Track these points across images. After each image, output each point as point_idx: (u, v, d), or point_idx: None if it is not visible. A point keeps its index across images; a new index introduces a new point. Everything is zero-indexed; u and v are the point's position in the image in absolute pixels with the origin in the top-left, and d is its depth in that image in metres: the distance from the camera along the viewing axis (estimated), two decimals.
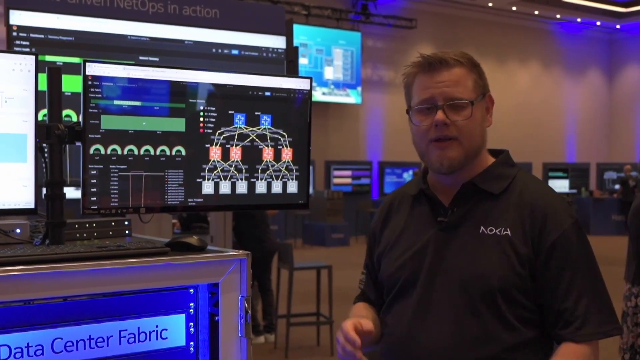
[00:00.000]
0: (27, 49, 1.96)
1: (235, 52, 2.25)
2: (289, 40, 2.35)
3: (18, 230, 1.20)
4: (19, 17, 2.01)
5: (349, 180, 11.22)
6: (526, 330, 1.01)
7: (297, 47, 2.41)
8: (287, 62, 2.31)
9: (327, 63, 12.04)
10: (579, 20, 13.88)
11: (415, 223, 1.11)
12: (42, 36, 2.03)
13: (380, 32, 12.05)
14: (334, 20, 11.36)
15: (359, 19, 11.71)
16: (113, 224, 1.32)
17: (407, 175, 11.84)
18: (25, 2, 2.03)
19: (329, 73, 11.49)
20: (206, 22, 2.25)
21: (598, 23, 14.09)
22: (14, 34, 2.00)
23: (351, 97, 11.73)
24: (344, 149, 11.39)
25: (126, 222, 1.35)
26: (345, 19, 11.51)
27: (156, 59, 2.11)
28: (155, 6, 2.23)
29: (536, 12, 13.27)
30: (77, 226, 1.28)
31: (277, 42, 2.30)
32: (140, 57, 2.09)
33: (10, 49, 1.98)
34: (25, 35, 2.01)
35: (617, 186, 12.20)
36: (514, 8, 12.86)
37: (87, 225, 1.28)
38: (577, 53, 14.43)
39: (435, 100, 1.05)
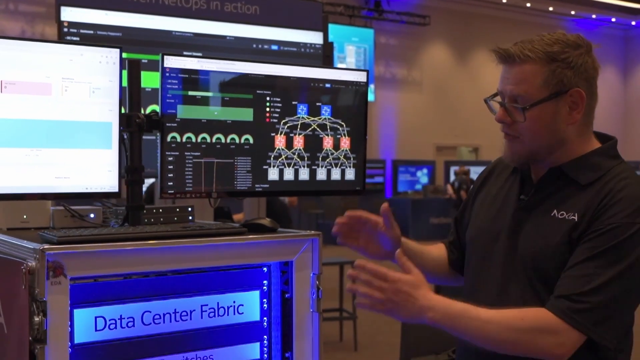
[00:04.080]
0: None
1: (274, 47, 2.31)
2: (325, 36, 2.42)
3: (92, 215, 1.28)
4: (70, 14, 2.09)
5: None
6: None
7: (332, 43, 2.47)
8: (324, 57, 2.38)
9: (340, 60, 12.04)
10: (593, 16, 13.76)
11: (503, 196, 1.11)
12: (92, 32, 2.11)
13: (393, 29, 12.02)
14: (346, 17, 11.35)
15: (372, 16, 11.70)
16: (177, 210, 1.39)
17: (421, 174, 11.81)
18: None
19: None
20: (246, 18, 2.32)
21: (613, 19, 13.96)
22: (65, 29, 2.08)
23: None
24: None
25: (189, 209, 1.42)
26: (358, 15, 11.51)
27: (199, 54, 2.18)
28: (198, 3, 2.29)
29: (551, 9, 13.18)
30: (145, 212, 1.36)
31: (314, 37, 2.37)
32: (185, 53, 2.16)
33: None
34: (75, 31, 2.09)
35: None
36: (528, 4, 12.78)
37: (154, 211, 1.35)
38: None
39: (502, 95, 1.03)
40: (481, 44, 11.96)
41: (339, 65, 11.27)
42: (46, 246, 0.94)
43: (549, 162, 1.05)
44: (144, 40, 2.18)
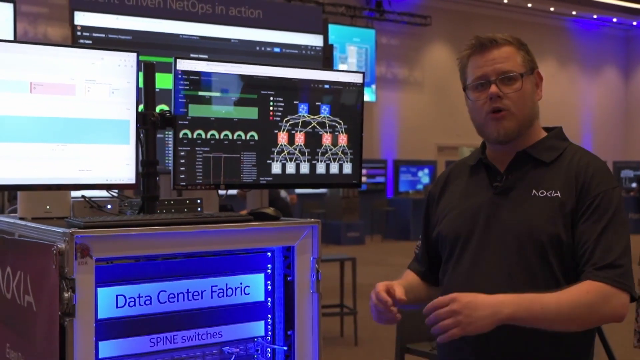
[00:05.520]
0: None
1: (277, 49, 2.42)
2: (325, 39, 2.52)
3: (109, 206, 1.39)
4: (83, 18, 2.21)
5: (364, 179, 11.24)
6: None
7: (332, 45, 2.58)
8: (324, 59, 2.49)
9: (342, 60, 12.09)
10: (595, 16, 13.80)
11: (473, 188, 1.22)
12: (103, 35, 2.22)
13: (395, 29, 12.09)
14: (348, 18, 11.41)
15: (373, 16, 11.75)
16: (187, 201, 1.50)
17: (422, 174, 11.86)
18: (88, 4, 2.23)
19: None
20: (250, 22, 2.43)
21: (614, 20, 14.00)
22: (78, 33, 2.19)
23: (365, 95, 11.71)
24: None
25: (198, 201, 1.53)
26: (359, 16, 11.57)
27: (205, 56, 2.28)
28: (204, 7, 2.41)
29: (552, 9, 13.24)
30: (157, 203, 1.47)
31: (314, 40, 2.47)
32: (191, 55, 2.26)
33: None
34: (88, 34, 2.21)
35: (633, 184, 12.16)
36: (529, 5, 12.84)
37: (165, 202, 1.46)
38: (593, 50, 14.34)
39: (488, 77, 1.16)
40: None
41: (341, 66, 11.36)
42: (74, 230, 1.05)
43: (518, 143, 1.19)
44: (153, 43, 2.29)
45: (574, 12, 13.47)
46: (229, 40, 2.40)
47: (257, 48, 2.43)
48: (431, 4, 12.14)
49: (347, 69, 11.29)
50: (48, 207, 1.37)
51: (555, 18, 13.66)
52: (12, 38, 2.42)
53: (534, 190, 1.16)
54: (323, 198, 10.09)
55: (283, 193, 5.11)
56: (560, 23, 13.81)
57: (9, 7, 2.54)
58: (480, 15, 12.60)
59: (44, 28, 8.63)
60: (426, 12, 12.03)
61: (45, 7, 8.51)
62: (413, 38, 12.09)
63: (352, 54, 11.72)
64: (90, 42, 2.20)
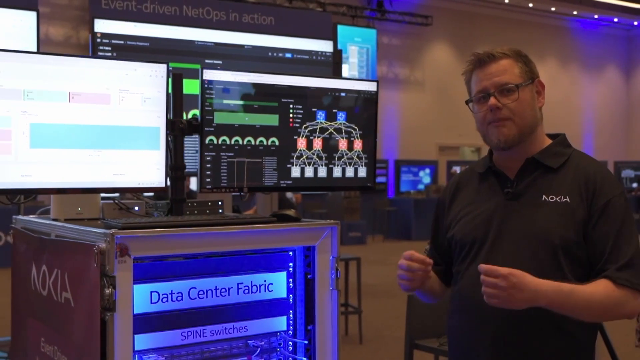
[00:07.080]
0: (109, 54, 2.24)
1: (288, 55, 2.50)
2: (335, 44, 2.60)
3: (137, 208, 1.47)
4: (102, 25, 2.29)
5: None
6: None
7: (341, 50, 2.66)
8: (334, 64, 2.57)
9: (343, 60, 12.03)
10: (596, 16, 13.85)
11: (484, 194, 1.29)
12: (122, 42, 2.30)
13: (396, 29, 12.12)
14: (349, 17, 11.43)
15: (375, 16, 11.78)
16: (209, 204, 1.58)
17: (424, 174, 11.91)
18: (108, 12, 2.31)
19: (344, 70, 11.54)
20: (263, 29, 2.51)
21: (615, 19, 14.04)
22: (98, 40, 2.27)
23: None
24: None
25: (219, 202, 1.61)
26: (360, 16, 11.59)
27: (220, 62, 2.36)
28: (219, 14, 2.49)
29: (553, 9, 13.28)
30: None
31: (324, 46, 2.55)
32: (206, 61, 2.34)
33: (94, 53, 2.27)
34: (107, 41, 2.29)
35: (634, 184, 12.23)
36: (530, 5, 12.89)
37: (189, 204, 1.54)
38: (594, 50, 14.38)
39: (487, 90, 1.24)
40: (483, 44, 12.05)
41: (343, 66, 11.35)
42: (115, 230, 1.13)
43: (525, 150, 1.27)
44: (170, 49, 2.37)
45: (575, 12, 13.52)
46: (242, 46, 2.48)
47: (270, 54, 2.50)
48: (432, 4, 12.18)
49: (349, 70, 11.36)
50: (79, 208, 1.45)
51: (557, 18, 13.70)
52: (35, 44, 2.51)
53: (544, 196, 1.23)
54: (325, 198, 10.15)
55: (289, 194, 5.19)
56: (562, 23, 13.85)
57: (32, 15, 2.63)
58: (481, 15, 12.65)
59: (46, 28, 8.66)
60: (427, 11, 12.07)
61: (48, 7, 8.53)
62: (414, 38, 12.13)
63: (353, 54, 11.74)
64: (109, 48, 2.28)
